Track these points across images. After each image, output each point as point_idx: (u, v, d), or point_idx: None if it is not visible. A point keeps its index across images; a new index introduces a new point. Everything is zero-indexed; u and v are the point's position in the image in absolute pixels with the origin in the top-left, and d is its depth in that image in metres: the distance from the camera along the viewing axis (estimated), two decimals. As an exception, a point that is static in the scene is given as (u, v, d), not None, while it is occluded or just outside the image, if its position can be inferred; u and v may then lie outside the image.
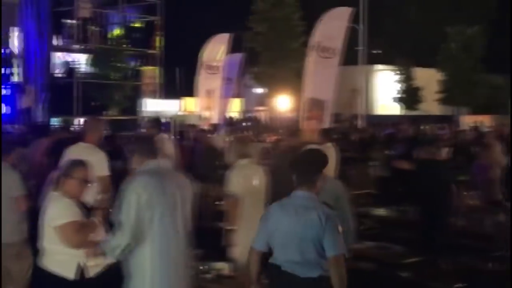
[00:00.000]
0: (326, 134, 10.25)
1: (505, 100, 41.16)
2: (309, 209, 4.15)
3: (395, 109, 44.11)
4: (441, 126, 24.79)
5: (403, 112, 42.68)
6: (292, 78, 29.01)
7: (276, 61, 31.72)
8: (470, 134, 19.25)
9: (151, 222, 3.86)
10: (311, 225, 4.09)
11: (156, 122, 10.26)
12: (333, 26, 13.92)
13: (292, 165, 4.38)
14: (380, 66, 46.85)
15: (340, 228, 4.18)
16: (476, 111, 39.63)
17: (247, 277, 4.61)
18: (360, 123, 25.03)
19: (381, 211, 8.46)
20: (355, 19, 23.01)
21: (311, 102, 14.12)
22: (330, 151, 9.29)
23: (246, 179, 5.94)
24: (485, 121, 31.24)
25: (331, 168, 8.13)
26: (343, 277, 4.07)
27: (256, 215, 5.90)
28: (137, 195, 3.83)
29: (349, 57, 29.01)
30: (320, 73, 13.89)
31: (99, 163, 5.87)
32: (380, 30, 48.06)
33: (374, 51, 41.76)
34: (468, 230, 7.79)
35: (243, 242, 5.71)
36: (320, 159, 4.46)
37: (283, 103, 28.83)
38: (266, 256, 4.34)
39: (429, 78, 40.91)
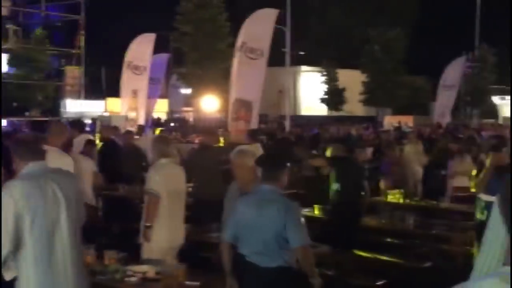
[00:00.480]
0: (254, 135, 10.29)
1: (426, 101, 42.51)
2: (271, 202, 4.30)
3: (320, 110, 44.84)
4: (366, 126, 25.38)
5: (328, 113, 43.43)
6: (219, 78, 29.01)
7: (203, 62, 31.61)
8: (393, 134, 19.73)
9: (31, 228, 3.71)
10: (272, 218, 4.25)
11: (77, 123, 10.02)
12: (259, 28, 14.00)
13: (258, 161, 4.62)
14: (305, 68, 47.50)
15: (302, 219, 4.37)
16: (398, 111, 40.73)
17: (172, 279, 4.60)
18: (287, 123, 25.29)
19: (305, 211, 8.53)
20: (281, 20, 23.21)
21: (239, 103, 14.16)
22: (258, 151, 9.35)
23: (166, 178, 5.92)
24: (407, 121, 32.13)
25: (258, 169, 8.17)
26: (312, 264, 4.33)
27: (175, 213, 5.91)
28: (13, 201, 3.67)
29: (276, 59, 29.28)
30: (247, 74, 13.94)
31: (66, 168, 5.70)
32: (305, 32, 48.72)
33: (300, 53, 42.23)
34: (388, 227, 7.94)
35: (158, 239, 5.78)
36: (285, 156, 4.74)
37: (210, 103, 28.76)
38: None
39: (353, 80, 41.76)
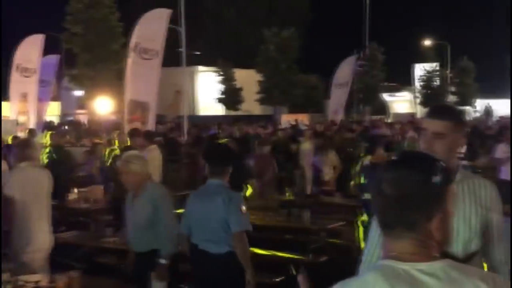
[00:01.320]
0: (150, 137, 10.15)
1: (320, 99, 43.62)
2: (218, 194, 4.77)
3: (218, 110, 44.99)
4: (264, 125, 25.65)
5: (226, 113, 43.64)
6: (113, 80, 28.44)
7: (95, 63, 30.87)
8: (289, 132, 20.07)
9: None
10: (218, 208, 4.70)
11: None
12: (152, 28, 13.83)
13: (204, 157, 5.15)
14: (202, 68, 47.48)
15: (243, 208, 4.81)
16: (294, 110, 41.51)
17: (66, 287, 4.47)
18: (184, 124, 25.14)
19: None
20: (175, 20, 23.04)
21: (134, 104, 13.95)
22: (154, 153, 9.22)
23: (23, 181, 5.77)
24: (303, 119, 32.79)
25: (155, 171, 8.09)
26: (246, 250, 4.75)
27: (36, 217, 5.74)
28: None
29: (172, 59, 29.10)
30: (142, 75, 13.75)
31: None
32: (201, 32, 48.72)
33: (196, 53, 42.16)
34: (287, 224, 8.06)
35: (19, 243, 5.63)
36: (229, 152, 5.26)
37: (104, 105, 28.15)
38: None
39: (249, 79, 42.13)
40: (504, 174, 10.15)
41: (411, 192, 1.67)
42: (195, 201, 4.92)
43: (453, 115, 2.75)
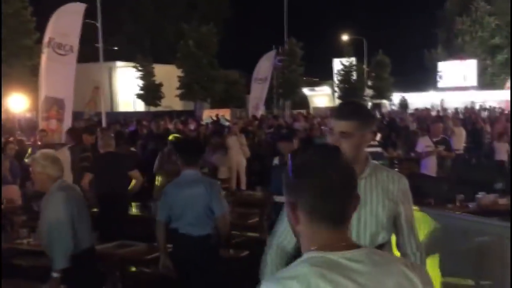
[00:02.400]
0: (72, 134, 9.90)
1: (241, 94, 43.77)
2: (198, 182, 5.27)
3: (138, 106, 44.41)
4: (184, 120, 25.47)
5: (146, 109, 43.10)
6: (27, 76, 27.59)
7: (8, 59, 29.83)
8: (211, 127, 20.04)
9: None
10: (202, 194, 5.20)
11: None
12: (66, 23, 13.49)
13: (179, 150, 5.55)
14: (121, 63, 46.71)
15: (222, 192, 5.53)
16: (215, 105, 41.48)
17: None
18: (103, 120, 24.66)
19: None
20: (92, 15, 22.55)
21: (49, 101, 13.60)
22: (65, 153, 9.00)
23: None
24: (225, 114, 32.81)
25: (66, 173, 7.90)
26: (229, 230, 5.58)
27: None
28: None
29: (90, 54, 28.49)
30: (57, 71, 13.40)
31: None
32: (119, 27, 47.94)
33: (114, 48, 41.44)
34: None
35: None
36: (200, 144, 6.22)
37: (18, 103, 27.22)
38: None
39: (169, 75, 41.75)
40: (424, 168, 10.37)
41: (351, 180, 1.73)
42: (175, 190, 5.31)
43: (359, 114, 2.79)
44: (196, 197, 5.20)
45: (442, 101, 41.51)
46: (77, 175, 8.60)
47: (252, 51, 29.56)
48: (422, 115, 25.82)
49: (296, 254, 2.81)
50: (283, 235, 2.91)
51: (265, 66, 27.11)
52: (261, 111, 26.36)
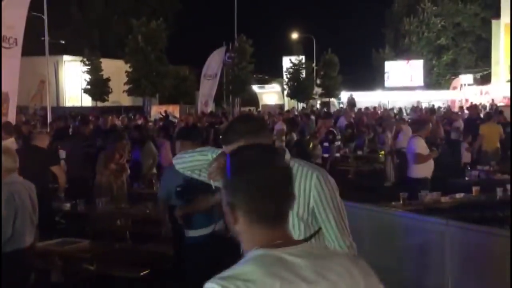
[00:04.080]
0: (8, 128, 9.70)
1: (191, 90, 43.56)
2: None
3: (85, 101, 43.74)
4: (132, 116, 25.22)
5: (93, 104, 42.50)
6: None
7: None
8: (159, 123, 19.91)
9: None
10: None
11: None
12: (12, 15, 13.17)
13: (181, 135, 5.69)
14: (68, 57, 45.90)
15: None
16: (164, 101, 41.17)
17: None
18: (48, 115, 24.21)
19: (67, 206, 8.29)
20: (39, 8, 22.10)
21: (-8, 94, 13.24)
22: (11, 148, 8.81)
23: None
24: (174, 110, 32.65)
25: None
26: None
27: None
28: None
29: (36, 47, 27.88)
30: (2, 64, 13.06)
31: None
32: (66, 20, 47.07)
33: (60, 41, 40.67)
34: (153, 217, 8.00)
35: None
36: (199, 131, 6.51)
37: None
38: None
39: (117, 70, 41.22)
40: None
41: (290, 179, 1.79)
42: (173, 173, 5.28)
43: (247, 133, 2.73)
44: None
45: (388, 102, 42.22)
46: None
47: (202, 47, 29.48)
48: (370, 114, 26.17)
49: None
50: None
51: (215, 62, 27.06)
52: (210, 108, 26.31)
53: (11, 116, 13.35)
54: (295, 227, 2.77)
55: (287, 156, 2.85)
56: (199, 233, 5.23)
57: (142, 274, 6.71)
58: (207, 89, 26.59)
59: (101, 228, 7.93)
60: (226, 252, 5.21)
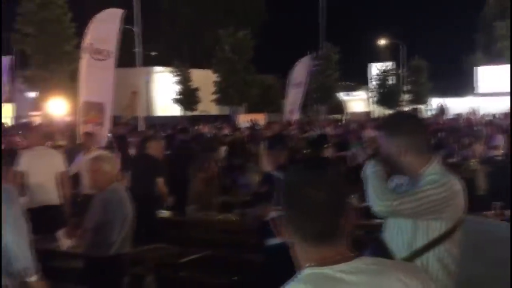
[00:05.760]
0: (90, 138, 10.04)
1: (277, 99, 43.79)
2: None
3: (175, 110, 44.79)
4: (220, 125, 25.61)
5: (183, 113, 43.47)
6: (67, 81, 28.08)
7: (48, 64, 30.41)
8: (246, 132, 20.11)
9: None
10: None
11: None
12: (105, 28, 13.67)
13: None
14: (158, 68, 47.18)
15: None
16: (250, 110, 41.56)
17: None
18: (140, 125, 25.01)
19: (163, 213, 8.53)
20: (130, 20, 22.88)
21: (88, 105, 13.75)
22: (111, 156, 9.18)
23: None
24: (260, 119, 32.86)
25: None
26: None
27: None
28: None
29: (127, 59, 28.86)
30: (96, 76, 13.56)
31: None
32: (157, 33, 48.43)
33: (152, 53, 41.90)
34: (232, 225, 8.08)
35: None
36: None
37: (59, 107, 27.72)
38: None
39: (205, 79, 42.02)
40: None
41: (339, 195, 1.74)
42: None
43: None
44: None
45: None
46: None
47: (288, 55, 29.57)
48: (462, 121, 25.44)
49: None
50: None
51: (300, 70, 27.07)
52: (296, 116, 26.32)
53: (106, 126, 13.82)
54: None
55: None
56: (274, 241, 5.22)
57: (231, 280, 6.81)
58: (293, 97, 26.62)
59: (193, 235, 8.10)
60: None
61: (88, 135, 10.21)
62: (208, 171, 8.91)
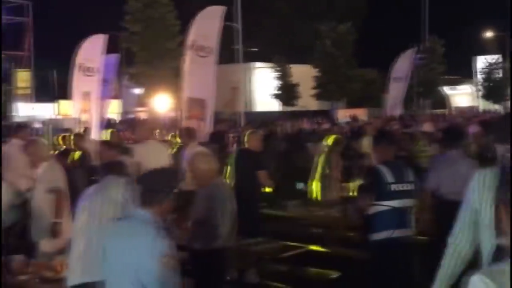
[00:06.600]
0: (190, 133, 10.21)
1: (378, 93, 43.08)
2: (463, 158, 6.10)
3: (274, 106, 45.03)
4: (320, 121, 25.52)
5: (282, 109, 43.64)
6: (171, 77, 28.82)
7: (153, 61, 31.38)
8: (346, 127, 19.90)
9: None
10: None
11: (20, 127, 9.79)
12: (207, 25, 13.93)
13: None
14: (258, 64, 47.57)
15: None
16: (351, 104, 41.12)
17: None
18: (241, 120, 25.36)
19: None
20: (230, 17, 23.19)
21: (191, 101, 14.06)
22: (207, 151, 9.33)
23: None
24: (361, 114, 32.47)
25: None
26: None
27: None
28: None
29: (228, 56, 29.29)
30: (198, 72, 13.85)
31: None
32: (256, 28, 48.82)
33: (251, 49, 42.29)
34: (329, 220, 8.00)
35: (67, 233, 5.79)
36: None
37: (163, 103, 28.53)
38: None
39: (305, 75, 41.97)
40: None
41: None
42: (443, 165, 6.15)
43: None
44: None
45: None
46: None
47: (390, 49, 28.98)
48: None
49: (472, 259, 2.85)
50: (459, 237, 2.91)
51: (403, 64, 26.49)
52: (398, 111, 25.77)
53: (208, 122, 14.08)
54: None
55: None
56: (379, 236, 5.14)
57: (332, 277, 6.77)
58: (395, 92, 26.10)
59: (294, 230, 8.12)
60: (409, 258, 5.06)
61: (187, 130, 10.40)
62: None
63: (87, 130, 15.18)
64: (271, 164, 10.48)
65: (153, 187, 3.38)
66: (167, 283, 3.17)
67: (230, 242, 5.18)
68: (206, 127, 13.68)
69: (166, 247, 3.19)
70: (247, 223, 7.39)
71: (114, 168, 4.53)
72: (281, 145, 13.99)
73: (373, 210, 5.15)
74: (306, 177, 9.42)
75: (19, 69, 34.90)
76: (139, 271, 3.18)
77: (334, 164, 9.16)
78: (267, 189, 8.50)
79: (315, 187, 9.05)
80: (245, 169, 7.92)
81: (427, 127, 17.39)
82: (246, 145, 8.43)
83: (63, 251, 5.55)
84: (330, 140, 9.46)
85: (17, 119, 29.66)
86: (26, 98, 34.30)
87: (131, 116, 37.86)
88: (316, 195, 8.98)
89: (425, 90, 40.65)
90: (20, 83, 34.62)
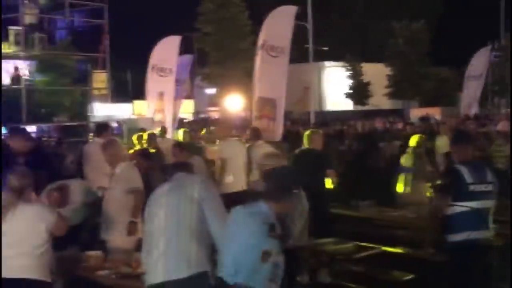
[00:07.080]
0: (256, 133, 10.28)
1: (452, 92, 42.06)
2: None
3: (346, 105, 44.67)
4: (393, 120, 25.15)
5: (354, 108, 43.25)
6: (243, 77, 29.07)
7: (226, 61, 31.73)
8: (421, 126, 19.52)
9: None
10: None
11: (103, 126, 10.07)
12: (279, 25, 13.95)
13: None
14: (329, 63, 47.28)
15: None
16: (424, 103, 40.35)
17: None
18: (312, 119, 25.28)
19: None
20: (302, 16, 23.16)
21: (262, 101, 14.11)
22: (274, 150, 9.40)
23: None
24: (435, 113, 31.81)
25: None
26: None
27: None
28: None
29: (299, 55, 29.27)
30: (270, 72, 13.89)
31: None
32: (328, 27, 48.58)
33: (323, 48, 42.10)
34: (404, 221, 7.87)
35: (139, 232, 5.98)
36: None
37: (235, 102, 28.76)
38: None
39: (377, 73, 41.45)
40: None
41: None
42: None
43: None
44: None
45: None
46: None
47: (464, 47, 28.28)
48: None
49: None
50: None
51: (479, 62, 25.78)
52: (474, 110, 25.10)
53: (279, 121, 14.10)
54: None
55: None
56: (457, 238, 5.04)
57: (406, 279, 6.69)
58: (471, 90, 25.43)
59: (366, 230, 8.06)
60: (487, 261, 4.93)
61: (253, 130, 10.53)
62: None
63: (164, 129, 15.47)
64: (335, 163, 10.43)
65: (283, 184, 3.57)
66: (259, 273, 3.45)
67: (302, 242, 5.20)
68: (276, 127, 13.71)
69: (271, 243, 3.46)
70: (319, 223, 7.41)
71: (183, 168, 4.60)
72: (353, 145, 13.91)
73: (451, 211, 5.06)
74: (378, 177, 9.32)
75: (96, 71, 35.92)
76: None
77: (420, 165, 8.98)
78: (332, 187, 8.47)
79: (399, 188, 8.87)
80: (310, 168, 7.89)
81: (503, 126, 16.84)
82: (307, 145, 8.43)
83: (135, 249, 5.70)
84: (413, 141, 9.22)
85: (94, 120, 30.58)
86: (103, 98, 35.23)
87: (203, 116, 38.38)
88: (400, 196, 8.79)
89: (500, 88, 39.45)
90: (97, 84, 35.61)
